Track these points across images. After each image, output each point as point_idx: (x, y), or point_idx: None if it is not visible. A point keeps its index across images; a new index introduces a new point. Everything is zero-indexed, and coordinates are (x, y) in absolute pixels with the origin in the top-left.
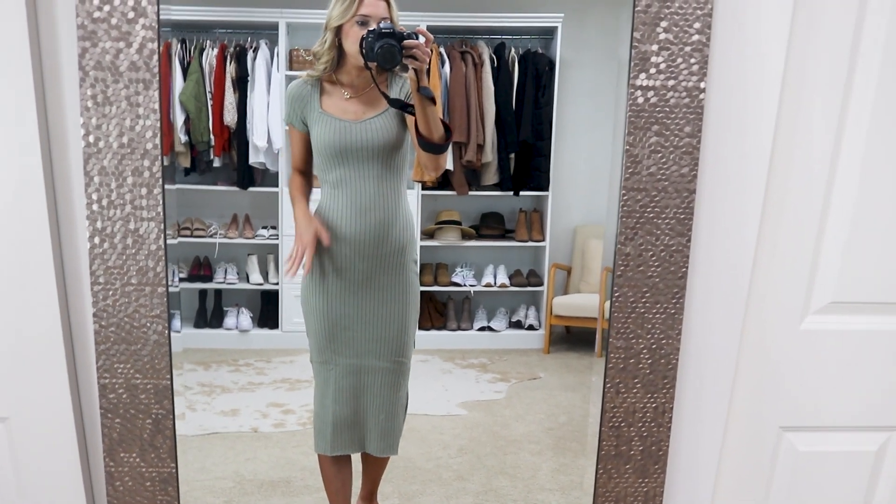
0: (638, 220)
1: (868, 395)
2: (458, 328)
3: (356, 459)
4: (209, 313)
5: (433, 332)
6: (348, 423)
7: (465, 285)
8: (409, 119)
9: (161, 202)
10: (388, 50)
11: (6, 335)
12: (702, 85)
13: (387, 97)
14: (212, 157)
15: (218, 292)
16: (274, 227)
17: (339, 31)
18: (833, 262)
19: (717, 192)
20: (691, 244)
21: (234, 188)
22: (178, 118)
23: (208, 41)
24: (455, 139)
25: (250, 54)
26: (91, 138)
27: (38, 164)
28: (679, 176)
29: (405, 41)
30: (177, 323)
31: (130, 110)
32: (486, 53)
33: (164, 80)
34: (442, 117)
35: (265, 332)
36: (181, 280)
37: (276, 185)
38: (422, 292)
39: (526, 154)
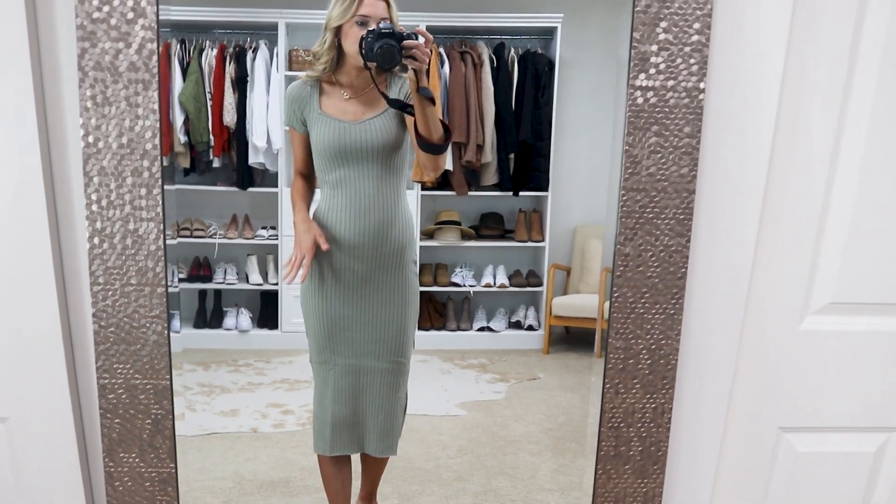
0: (637, 221)
1: (867, 396)
2: (458, 328)
3: (356, 460)
4: (209, 314)
5: (432, 333)
6: (347, 423)
7: (464, 285)
8: (409, 119)
9: (160, 203)
10: (387, 50)
11: (6, 335)
12: (701, 85)
13: (386, 97)
14: (211, 157)
15: (217, 293)
16: (273, 228)
17: (338, 31)
18: (832, 263)
19: (717, 192)
20: (691, 244)
21: (234, 188)
22: (178, 118)
23: (207, 41)
24: (454, 139)
25: (250, 55)
26: (90, 139)
27: (38, 165)
28: (678, 176)
29: (404, 41)
30: (176, 323)
31: (130, 111)
32: (485, 54)
33: (164, 80)
34: (441, 118)
35: (265, 332)
36: (181, 280)
37: (276, 186)
38: (421, 292)
39: (525, 154)
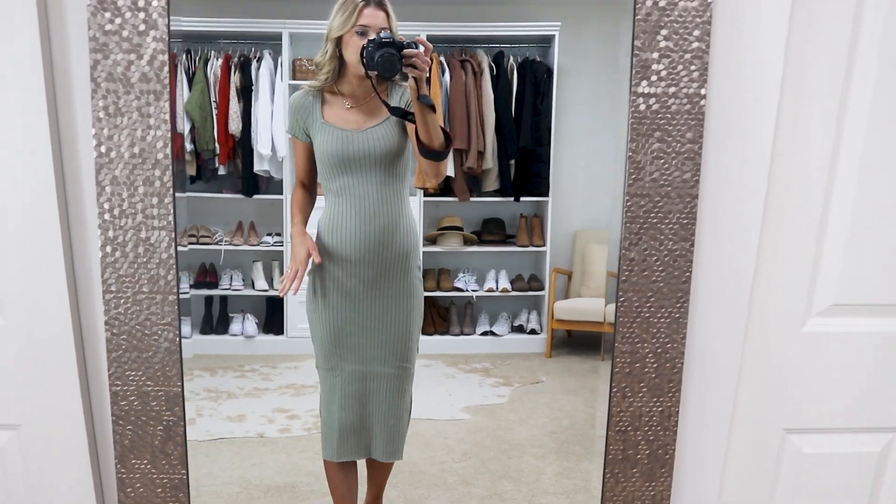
0: (642, 226)
1: (870, 396)
2: (461, 333)
3: (361, 464)
4: (215, 320)
5: (436, 337)
6: (354, 429)
7: (467, 290)
8: (410, 127)
9: (172, 211)
10: (387, 59)
11: (19, 343)
12: (702, 91)
13: (387, 106)
14: (217, 165)
15: (224, 299)
16: (279, 234)
17: (339, 41)
18: (834, 265)
19: (719, 197)
20: (694, 249)
21: (239, 196)
22: (184, 127)
23: (213, 51)
24: (456, 146)
25: (254, 64)
26: (103, 148)
27: (51, 174)
28: (681, 181)
29: (405, 50)
30: (186, 329)
31: (141, 121)
32: (485, 62)
33: (171, 90)
34: (442, 125)
35: (270, 338)
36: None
37: (281, 193)
38: (425, 298)
39: (526, 160)
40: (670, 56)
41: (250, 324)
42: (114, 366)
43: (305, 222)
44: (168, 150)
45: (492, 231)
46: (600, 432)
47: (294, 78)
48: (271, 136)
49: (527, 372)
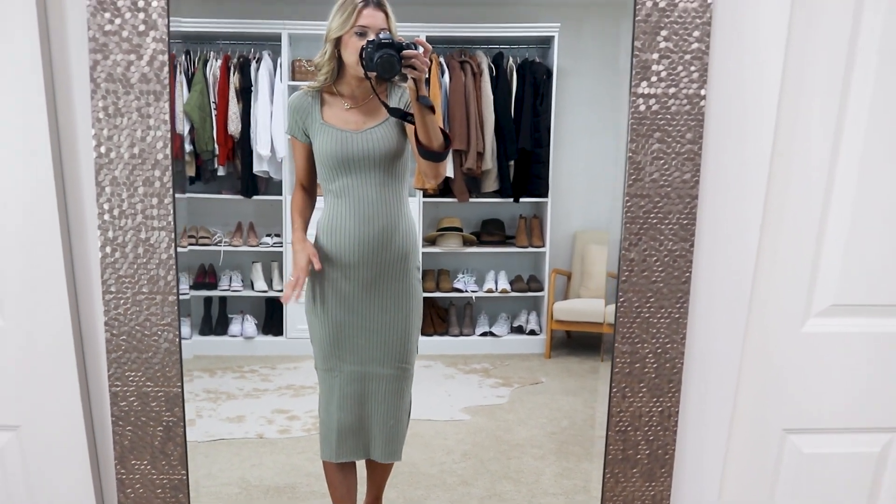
0: (642, 226)
1: (870, 397)
2: (461, 334)
3: (361, 465)
4: (214, 321)
5: (436, 338)
6: (353, 429)
7: (466, 291)
8: (409, 128)
9: (172, 212)
10: (387, 60)
11: (18, 344)
12: (702, 92)
13: (386, 107)
14: (216, 166)
15: (223, 300)
16: (278, 235)
17: (338, 42)
18: (833, 266)
19: (719, 197)
20: (694, 249)
21: (239, 197)
22: (183, 128)
23: (212, 52)
24: (455, 147)
25: (253, 65)
26: (102, 149)
27: (50, 175)
28: (681, 182)
29: (404, 51)
30: (186, 330)
31: (141, 121)
32: (484, 63)
33: (171, 90)
34: (441, 126)
35: (270, 338)
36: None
37: (280, 194)
38: (424, 298)
39: (525, 161)
40: (670, 57)
41: (249, 325)
42: (113, 366)
43: (306, 228)
44: (168, 151)
45: (491, 232)
46: (600, 433)
47: (293, 79)
48: (270, 137)
49: (526, 372)
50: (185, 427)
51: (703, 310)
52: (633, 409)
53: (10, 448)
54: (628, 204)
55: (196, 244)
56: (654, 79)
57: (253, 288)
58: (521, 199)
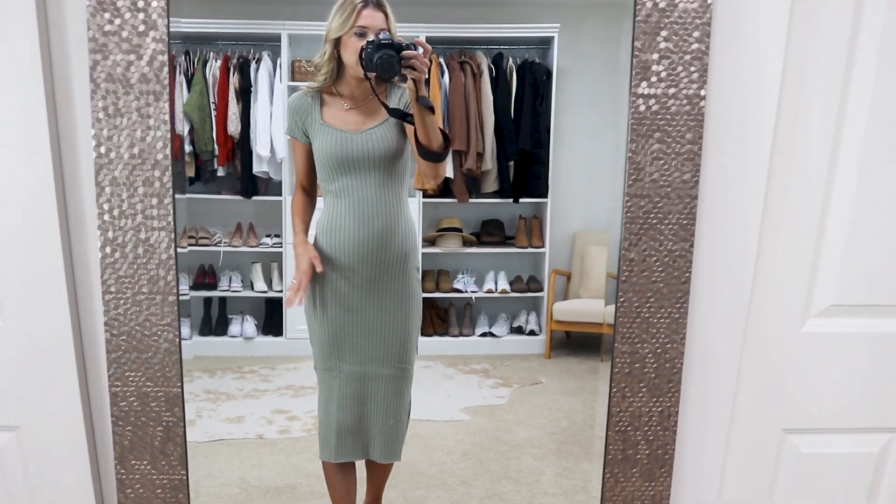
0: (641, 227)
1: (869, 397)
2: (460, 334)
3: (360, 465)
4: (214, 321)
5: (435, 339)
6: (353, 430)
7: (466, 291)
8: (409, 128)
9: (171, 212)
10: (386, 60)
11: (18, 344)
12: (702, 93)
13: (386, 107)
14: (216, 166)
15: (222, 300)
16: (278, 236)
17: (338, 42)
18: (833, 266)
19: (719, 197)
20: (694, 249)
21: (238, 197)
22: (183, 129)
23: (211, 53)
24: (455, 148)
25: (253, 65)
26: (102, 149)
27: (50, 175)
28: (681, 182)
29: (404, 52)
30: (186, 330)
31: (141, 121)
32: (484, 63)
33: (171, 91)
34: (441, 126)
35: (269, 339)
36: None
37: (280, 194)
38: (424, 299)
39: (525, 162)
40: (670, 57)
41: (249, 325)
42: (113, 367)
43: (307, 230)
44: (168, 151)
45: (491, 232)
46: (599, 433)
47: (293, 79)
48: (270, 138)
49: (526, 373)
50: (185, 427)
51: (703, 310)
52: (633, 409)
53: (10, 448)
54: (628, 204)
55: (196, 245)
56: (654, 79)
57: (253, 288)
58: (521, 200)
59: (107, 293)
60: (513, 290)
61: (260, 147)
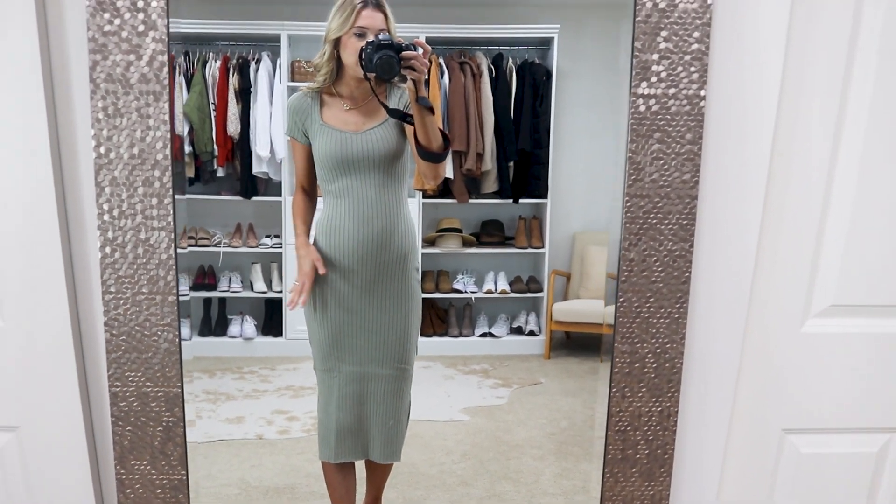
0: (641, 227)
1: (868, 397)
2: (460, 334)
3: (360, 466)
4: (214, 322)
5: (435, 339)
6: (352, 430)
7: (466, 292)
8: (409, 129)
9: (171, 212)
10: (386, 61)
11: (18, 344)
12: (702, 93)
13: (386, 108)
14: (215, 167)
15: (222, 301)
16: (277, 236)
17: (337, 43)
18: (833, 266)
19: (719, 198)
20: (694, 249)
21: (238, 198)
22: (183, 129)
23: (211, 53)
24: (455, 148)
25: (253, 66)
26: (102, 149)
27: (50, 175)
28: (681, 182)
29: (403, 52)
30: (186, 331)
31: (141, 122)
32: (484, 64)
33: (171, 91)
34: (441, 127)
35: (269, 339)
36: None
37: (280, 195)
38: (423, 299)
39: (525, 162)
40: (670, 57)
41: (249, 326)
42: (113, 367)
43: (308, 232)
44: (167, 151)
45: (491, 233)
46: (599, 433)
47: (292, 80)
48: (270, 138)
49: (525, 373)
50: (184, 427)
51: (703, 310)
52: (633, 409)
53: (10, 448)
54: (628, 204)
55: (195, 245)
56: (653, 79)
57: (252, 289)
58: (521, 200)
59: (107, 293)
60: (512, 291)
61: (259, 147)
